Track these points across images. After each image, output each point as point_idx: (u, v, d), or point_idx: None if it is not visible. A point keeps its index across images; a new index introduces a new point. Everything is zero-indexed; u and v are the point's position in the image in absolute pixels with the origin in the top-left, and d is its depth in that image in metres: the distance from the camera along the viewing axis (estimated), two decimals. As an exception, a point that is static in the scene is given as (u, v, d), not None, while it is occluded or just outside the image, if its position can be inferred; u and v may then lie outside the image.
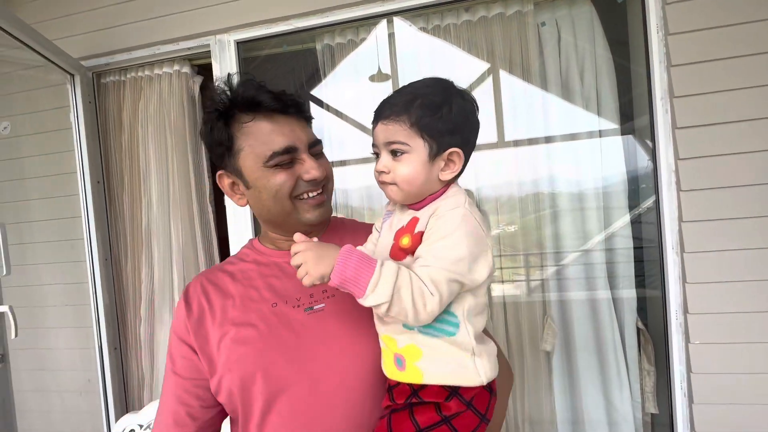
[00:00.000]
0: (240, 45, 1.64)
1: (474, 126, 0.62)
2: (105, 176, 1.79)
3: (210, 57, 1.66)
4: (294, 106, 0.70)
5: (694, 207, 1.27)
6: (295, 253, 0.57)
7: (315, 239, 0.60)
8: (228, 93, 0.69)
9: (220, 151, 0.70)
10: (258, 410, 0.64)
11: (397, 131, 0.59)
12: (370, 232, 0.73)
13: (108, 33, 1.71)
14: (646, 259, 1.51)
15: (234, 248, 1.64)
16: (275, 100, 0.67)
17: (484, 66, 1.57)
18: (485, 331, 0.66)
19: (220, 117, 0.68)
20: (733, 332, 1.24)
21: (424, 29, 1.58)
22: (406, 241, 0.60)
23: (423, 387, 0.59)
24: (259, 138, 0.67)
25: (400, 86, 0.66)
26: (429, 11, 1.55)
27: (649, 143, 1.44)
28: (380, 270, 0.54)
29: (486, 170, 1.61)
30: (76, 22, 1.73)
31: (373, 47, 1.67)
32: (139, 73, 1.78)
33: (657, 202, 1.36)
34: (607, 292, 1.50)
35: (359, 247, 0.68)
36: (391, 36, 1.63)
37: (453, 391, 0.58)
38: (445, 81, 0.62)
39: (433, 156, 0.60)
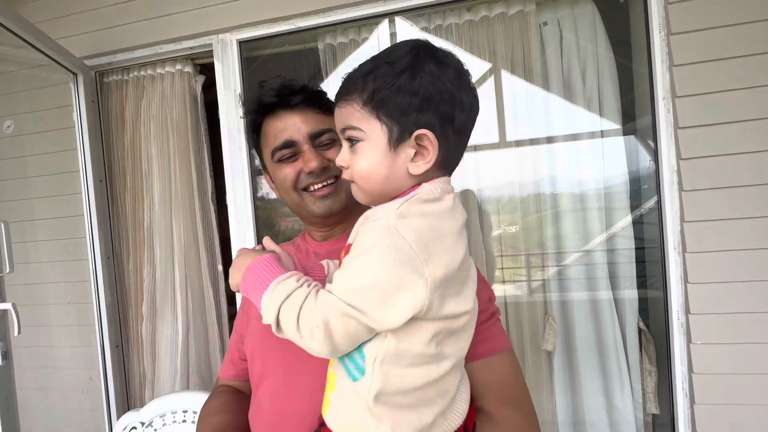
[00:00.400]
0: (242, 44, 1.65)
1: (457, 98, 0.46)
2: (107, 175, 1.80)
3: (212, 56, 1.66)
4: (299, 97, 0.70)
5: (696, 207, 1.27)
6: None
7: (259, 246, 0.60)
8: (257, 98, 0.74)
9: (257, 151, 0.78)
10: (254, 384, 0.70)
11: (349, 113, 0.47)
12: None
13: (110, 32, 1.72)
14: (648, 260, 1.50)
15: (236, 248, 1.64)
16: (275, 96, 0.70)
17: (486, 66, 1.57)
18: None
19: (249, 124, 0.76)
20: (735, 333, 1.23)
21: (426, 29, 1.58)
22: (343, 254, 0.48)
23: (322, 424, 0.51)
24: (268, 136, 0.73)
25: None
26: (431, 11, 1.55)
27: (651, 143, 1.44)
28: (273, 288, 0.46)
29: (487, 170, 1.61)
30: (78, 22, 1.74)
31: (375, 47, 1.67)
32: (142, 73, 1.78)
33: (659, 202, 1.36)
34: (608, 292, 1.49)
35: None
36: (393, 36, 1.63)
37: None
38: (416, 41, 0.47)
39: (395, 142, 0.45)
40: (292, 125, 0.70)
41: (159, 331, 1.75)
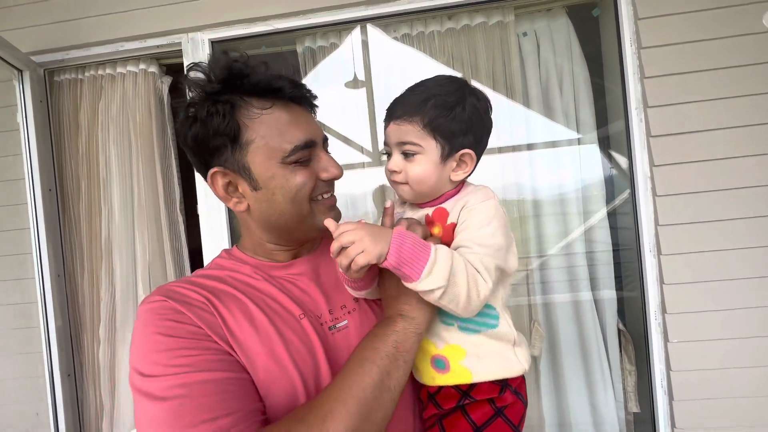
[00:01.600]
0: (215, 44, 1.55)
1: (487, 126, 0.63)
2: (58, 183, 1.62)
3: (181, 56, 1.56)
4: (310, 97, 0.64)
5: (669, 211, 1.33)
6: (343, 233, 0.52)
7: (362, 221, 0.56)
8: (224, 73, 0.57)
9: (217, 143, 0.57)
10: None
11: (409, 132, 0.59)
12: None
13: (64, 26, 1.56)
14: (623, 262, 1.56)
15: (209, 260, 1.53)
16: (296, 88, 0.60)
17: (467, 73, 1.59)
18: None
19: (220, 101, 0.56)
20: (709, 330, 1.30)
21: (407, 35, 1.57)
22: (437, 230, 0.61)
23: (472, 386, 0.60)
24: (277, 129, 0.58)
25: (412, 84, 0.65)
26: (413, 18, 1.55)
27: (615, 154, 1.52)
28: (436, 253, 0.52)
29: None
30: (25, 13, 1.57)
31: (350, 53, 1.64)
32: (100, 72, 1.64)
33: (634, 207, 1.41)
34: (589, 294, 1.53)
35: None
36: (364, 44, 1.60)
37: (504, 384, 0.60)
38: (459, 80, 0.62)
39: (445, 157, 0.60)
40: (307, 123, 0.61)
41: (119, 355, 1.58)
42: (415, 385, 0.65)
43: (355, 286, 0.61)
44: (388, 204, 0.65)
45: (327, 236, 0.69)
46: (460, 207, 0.60)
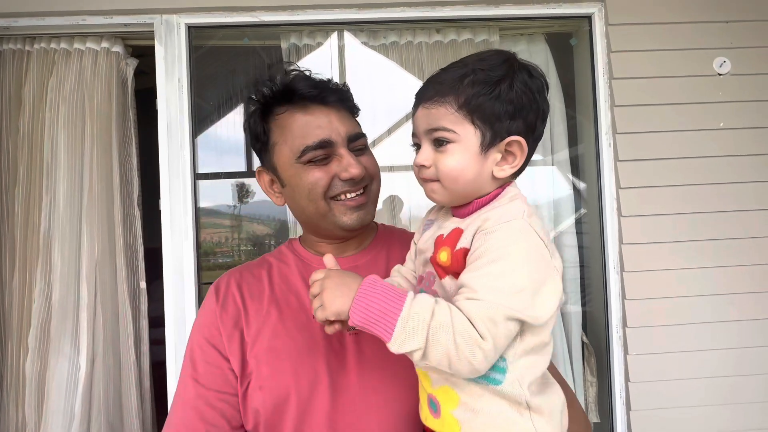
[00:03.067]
0: (192, 30, 1.45)
1: (542, 109, 0.49)
2: (-11, 165, 1.41)
3: (152, 38, 1.44)
4: (336, 95, 0.63)
5: (633, 231, 1.43)
6: (314, 282, 0.47)
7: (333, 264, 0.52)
8: (269, 84, 0.63)
9: (258, 147, 0.66)
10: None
11: (441, 115, 0.47)
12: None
13: (13, -10, 1.38)
14: (586, 278, 1.65)
15: (169, 260, 1.40)
16: (312, 88, 0.61)
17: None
18: (555, 373, 0.55)
19: (257, 110, 0.64)
20: (665, 343, 1.40)
21: (395, 43, 1.58)
22: (444, 257, 0.48)
23: None
24: (293, 131, 0.61)
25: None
26: (402, 26, 1.56)
27: (571, 178, 1.61)
28: (410, 307, 0.42)
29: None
30: (-35, -30, 1.37)
31: (335, 55, 1.61)
32: (53, 45, 1.46)
33: (600, 226, 1.50)
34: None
35: (395, 273, 0.61)
36: (341, 48, 1.58)
37: None
38: (506, 52, 0.50)
39: (486, 146, 0.47)
40: (327, 123, 0.61)
41: (51, 367, 1.38)
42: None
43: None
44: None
45: (381, 234, 0.73)
46: (476, 228, 0.47)
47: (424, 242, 0.56)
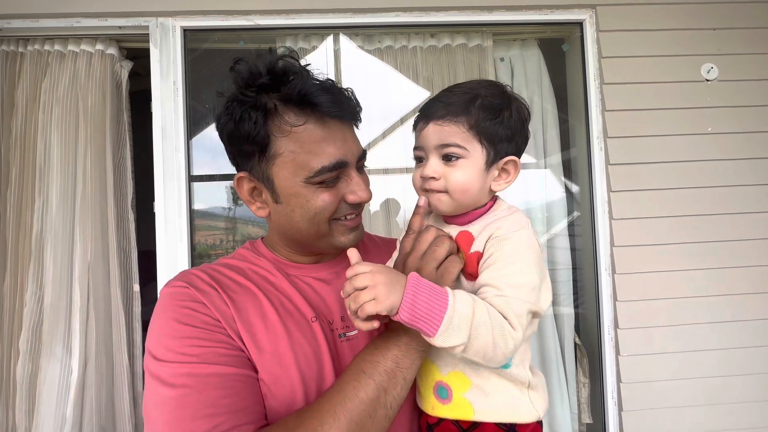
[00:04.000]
0: (188, 33, 1.46)
1: (527, 135, 0.58)
2: (-19, 167, 1.40)
3: (147, 41, 1.44)
4: (350, 109, 0.57)
5: (624, 234, 1.45)
6: (358, 274, 0.47)
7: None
8: (266, 75, 0.53)
9: (247, 150, 0.55)
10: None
11: (453, 133, 0.53)
12: (394, 248, 0.66)
13: (7, -9, 1.38)
14: (579, 280, 1.67)
15: (163, 263, 1.39)
16: (335, 104, 0.54)
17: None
18: None
19: (256, 106, 0.53)
20: (656, 344, 1.42)
21: (390, 47, 1.59)
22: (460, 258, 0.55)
23: (475, 425, 0.53)
24: (307, 146, 0.54)
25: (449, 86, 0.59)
26: (396, 31, 1.57)
27: (567, 180, 1.63)
28: (454, 304, 0.45)
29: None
30: (-42, -29, 1.36)
31: (330, 59, 1.62)
32: (47, 47, 1.46)
33: (592, 229, 1.52)
34: (550, 309, 1.61)
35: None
36: (337, 52, 1.59)
37: (510, 430, 0.53)
38: (501, 84, 0.57)
39: (490, 163, 0.54)
40: (343, 142, 0.56)
41: (43, 370, 1.36)
42: (415, 409, 0.61)
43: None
44: (421, 202, 0.58)
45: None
46: (488, 235, 0.53)
47: None
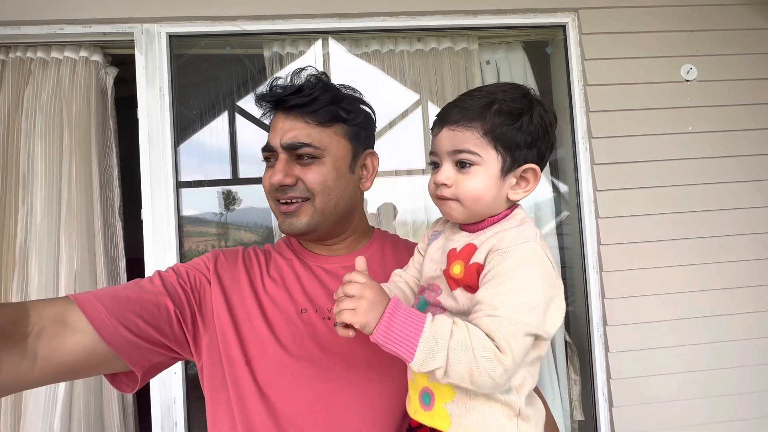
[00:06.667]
0: (173, 39, 1.45)
1: (552, 142, 0.54)
2: (-38, 177, 1.37)
3: (132, 47, 1.43)
4: (292, 102, 0.64)
5: (610, 232, 1.47)
6: (351, 282, 0.48)
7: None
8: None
9: None
10: (259, 414, 0.57)
11: (467, 139, 0.51)
12: (413, 253, 0.65)
13: (-13, -2, 1.36)
14: (569, 279, 1.69)
15: (151, 271, 1.37)
16: (270, 97, 0.65)
17: (433, 93, 1.65)
18: (536, 389, 0.58)
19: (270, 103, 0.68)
20: (643, 340, 1.44)
21: (377, 52, 1.60)
22: (457, 270, 0.51)
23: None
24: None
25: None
26: (383, 35, 1.59)
27: (556, 180, 1.66)
28: (431, 327, 0.45)
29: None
30: (-64, -22, 1.34)
31: (318, 64, 1.63)
32: (29, 54, 1.44)
33: (579, 227, 1.55)
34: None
35: (396, 277, 0.63)
36: (325, 56, 1.60)
37: None
38: (524, 87, 0.54)
39: (506, 171, 0.51)
40: (278, 129, 0.65)
41: (29, 382, 1.34)
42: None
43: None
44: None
45: (375, 238, 0.76)
46: (490, 246, 0.49)
47: (433, 252, 0.58)
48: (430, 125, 0.58)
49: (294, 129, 0.63)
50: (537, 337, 0.47)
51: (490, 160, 0.51)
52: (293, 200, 0.64)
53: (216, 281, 0.64)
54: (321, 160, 0.64)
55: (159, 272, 0.62)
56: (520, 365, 0.47)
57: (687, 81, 1.50)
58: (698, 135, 1.49)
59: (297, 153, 0.63)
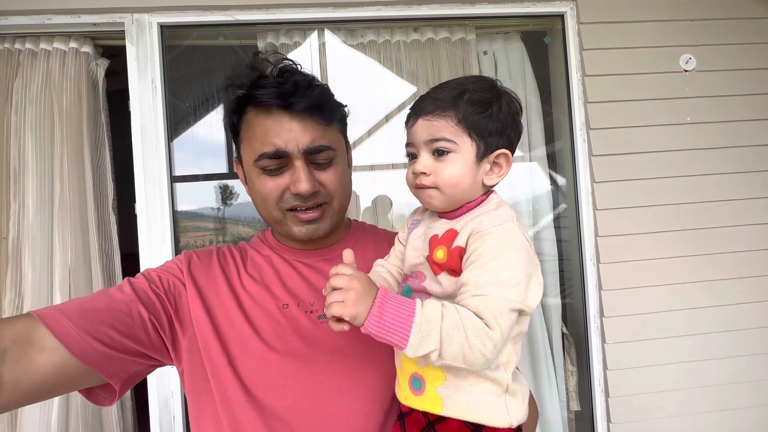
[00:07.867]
0: (165, 29, 1.42)
1: (519, 129, 0.57)
2: (-48, 172, 1.35)
3: (123, 38, 1.40)
4: (306, 102, 0.58)
5: (608, 224, 1.47)
6: (338, 274, 0.48)
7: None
8: (250, 75, 0.60)
9: (233, 137, 0.65)
10: (245, 413, 0.56)
11: (442, 127, 0.53)
12: (393, 242, 0.65)
13: (-28, -12, 1.33)
14: (567, 271, 1.69)
15: (146, 265, 1.37)
16: (276, 96, 0.57)
17: (429, 85, 1.63)
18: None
19: (234, 99, 0.61)
20: (640, 331, 1.45)
21: (373, 42, 1.58)
22: (440, 255, 0.53)
23: (440, 420, 0.53)
24: (256, 132, 0.59)
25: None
26: (379, 25, 1.56)
27: (553, 172, 1.65)
28: (422, 312, 0.46)
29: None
30: None
31: (313, 54, 1.60)
32: (17, 45, 1.41)
33: (577, 219, 1.54)
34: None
35: (378, 267, 0.63)
36: (322, 46, 1.57)
37: (477, 430, 0.51)
38: (491, 79, 0.57)
39: (480, 157, 0.54)
40: (287, 132, 0.58)
41: (25, 378, 1.33)
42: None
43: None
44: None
45: (354, 230, 0.74)
46: (470, 230, 0.52)
47: (414, 240, 0.59)
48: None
49: (308, 131, 0.59)
50: (520, 312, 0.49)
51: (465, 147, 0.53)
52: (316, 206, 0.62)
53: (191, 283, 0.62)
54: (335, 161, 0.62)
55: (129, 279, 0.59)
56: (507, 340, 0.50)
57: (686, 71, 1.49)
58: (697, 126, 1.48)
59: (315, 156, 0.60)
